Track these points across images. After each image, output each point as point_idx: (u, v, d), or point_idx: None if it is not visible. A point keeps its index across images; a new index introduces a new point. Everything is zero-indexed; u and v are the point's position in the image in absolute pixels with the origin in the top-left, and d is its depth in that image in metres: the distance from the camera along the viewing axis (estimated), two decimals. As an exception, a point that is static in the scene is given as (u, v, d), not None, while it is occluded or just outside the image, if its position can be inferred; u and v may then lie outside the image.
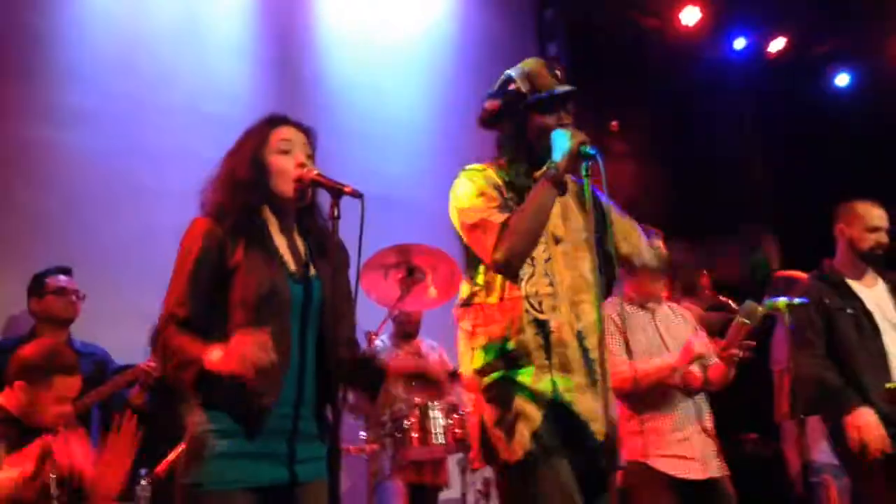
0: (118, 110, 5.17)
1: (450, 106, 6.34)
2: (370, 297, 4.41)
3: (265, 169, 2.42)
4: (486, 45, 6.75)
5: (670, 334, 3.72)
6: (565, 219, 2.70)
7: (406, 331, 5.06)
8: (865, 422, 3.62)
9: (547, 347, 2.54)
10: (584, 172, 2.54)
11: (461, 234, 2.67)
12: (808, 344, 3.77)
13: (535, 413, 2.50)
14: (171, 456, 3.75)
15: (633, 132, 7.35)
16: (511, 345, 2.54)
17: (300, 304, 2.38)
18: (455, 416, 4.26)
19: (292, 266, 2.41)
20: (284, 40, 6.13)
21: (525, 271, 2.58)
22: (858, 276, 3.93)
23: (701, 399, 3.69)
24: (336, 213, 2.38)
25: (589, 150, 2.52)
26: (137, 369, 4.19)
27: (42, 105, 4.99)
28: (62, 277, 4.35)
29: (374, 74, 6.30)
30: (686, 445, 3.56)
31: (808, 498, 4.30)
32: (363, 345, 3.52)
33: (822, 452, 4.21)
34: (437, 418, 4.24)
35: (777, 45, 7.64)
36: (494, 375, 2.56)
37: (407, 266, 4.45)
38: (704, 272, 4.99)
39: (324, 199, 2.47)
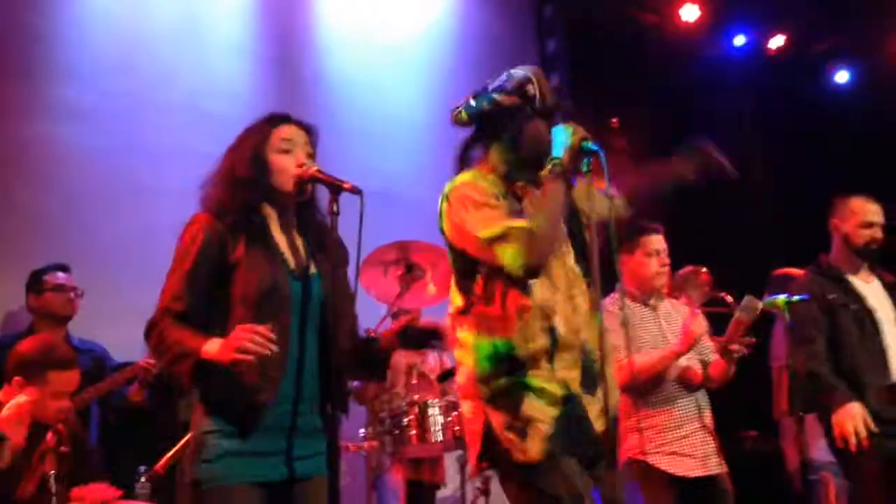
0: (118, 109, 5.17)
1: (449, 103, 6.26)
2: (369, 294, 4.41)
3: (266, 167, 2.42)
4: (485, 42, 6.75)
5: (672, 330, 3.71)
6: None
7: (405, 328, 5.05)
8: (848, 415, 3.56)
9: (556, 350, 2.51)
10: (585, 168, 2.52)
11: (464, 247, 2.55)
12: (808, 340, 3.74)
13: (547, 414, 2.47)
14: (170, 453, 3.75)
15: (633, 129, 7.33)
16: (520, 351, 2.49)
17: (299, 300, 2.38)
18: (454, 413, 4.26)
19: (292, 263, 2.42)
20: (284, 39, 6.13)
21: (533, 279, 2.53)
22: (855, 272, 3.91)
23: (701, 396, 3.69)
24: (335, 209, 2.38)
25: (590, 145, 2.50)
26: (136, 366, 4.19)
27: (42, 104, 4.99)
28: (60, 274, 4.36)
29: (373, 72, 6.30)
30: (686, 442, 3.56)
31: (807, 495, 4.30)
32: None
33: (821, 450, 4.18)
34: (436, 415, 4.24)
35: (777, 42, 7.64)
36: (502, 381, 2.51)
37: (406, 263, 4.44)
38: (704, 269, 4.97)
39: (323, 195, 2.47)
